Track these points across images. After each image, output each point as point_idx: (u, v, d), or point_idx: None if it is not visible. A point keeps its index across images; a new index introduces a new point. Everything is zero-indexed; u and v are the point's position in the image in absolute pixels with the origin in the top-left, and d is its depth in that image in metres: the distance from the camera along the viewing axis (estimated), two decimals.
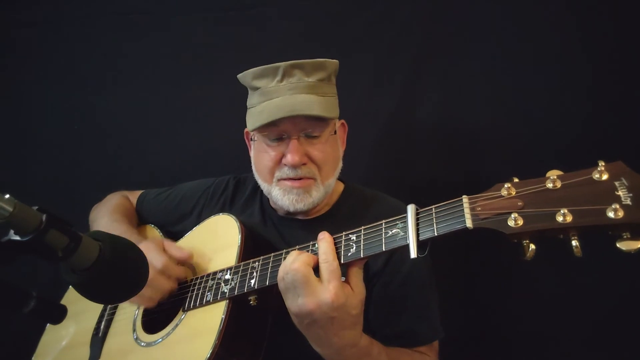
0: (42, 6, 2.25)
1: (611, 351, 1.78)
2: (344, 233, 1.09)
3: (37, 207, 0.72)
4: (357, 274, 1.08)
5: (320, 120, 1.40)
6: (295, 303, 1.05)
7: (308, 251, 1.12)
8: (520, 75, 1.84)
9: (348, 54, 1.97)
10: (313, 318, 1.03)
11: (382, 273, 1.39)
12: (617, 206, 0.76)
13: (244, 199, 1.66)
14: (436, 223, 0.94)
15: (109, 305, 1.56)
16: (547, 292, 1.84)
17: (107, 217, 1.66)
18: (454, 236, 0.92)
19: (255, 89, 1.45)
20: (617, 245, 0.78)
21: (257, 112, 1.41)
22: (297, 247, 1.16)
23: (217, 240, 1.45)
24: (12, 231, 0.71)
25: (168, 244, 1.47)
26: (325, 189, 1.46)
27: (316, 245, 1.10)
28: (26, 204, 0.71)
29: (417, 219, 0.98)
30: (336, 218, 1.52)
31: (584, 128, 1.72)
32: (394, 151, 2.04)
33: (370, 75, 2.03)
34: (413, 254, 0.94)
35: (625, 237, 0.78)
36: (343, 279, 1.07)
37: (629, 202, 0.77)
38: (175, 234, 1.63)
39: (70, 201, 2.07)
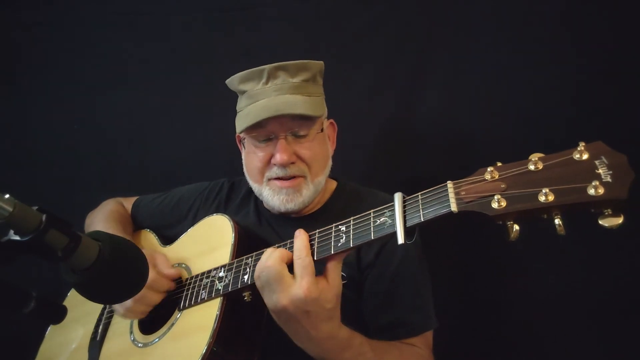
0: (42, 6, 2.25)
1: (606, 342, 1.78)
2: (334, 225, 1.11)
3: (37, 207, 0.73)
4: (335, 268, 1.08)
5: (305, 119, 1.43)
6: (271, 300, 1.08)
7: (287, 249, 1.14)
8: (515, 75, 1.84)
9: (348, 54, 2.00)
10: (288, 313, 1.05)
11: (374, 265, 1.40)
12: (598, 183, 0.78)
13: (239, 201, 1.68)
14: (422, 209, 0.96)
15: (107, 309, 1.56)
16: (542, 285, 1.84)
17: (102, 224, 1.66)
18: (441, 221, 0.93)
19: (243, 92, 1.48)
20: (599, 222, 0.80)
21: (244, 115, 1.44)
22: (277, 245, 1.18)
23: (211, 240, 1.46)
24: (12, 231, 0.72)
25: (160, 259, 1.46)
26: (315, 187, 1.48)
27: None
28: (26, 204, 0.71)
29: (404, 206, 1.00)
30: (329, 215, 1.53)
31: (581, 127, 1.70)
32: (391, 150, 2.04)
33: (369, 74, 2.04)
34: (400, 240, 0.95)
35: (606, 213, 0.79)
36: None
37: (609, 179, 0.79)
38: (171, 237, 1.64)
39: (70, 201, 2.07)
